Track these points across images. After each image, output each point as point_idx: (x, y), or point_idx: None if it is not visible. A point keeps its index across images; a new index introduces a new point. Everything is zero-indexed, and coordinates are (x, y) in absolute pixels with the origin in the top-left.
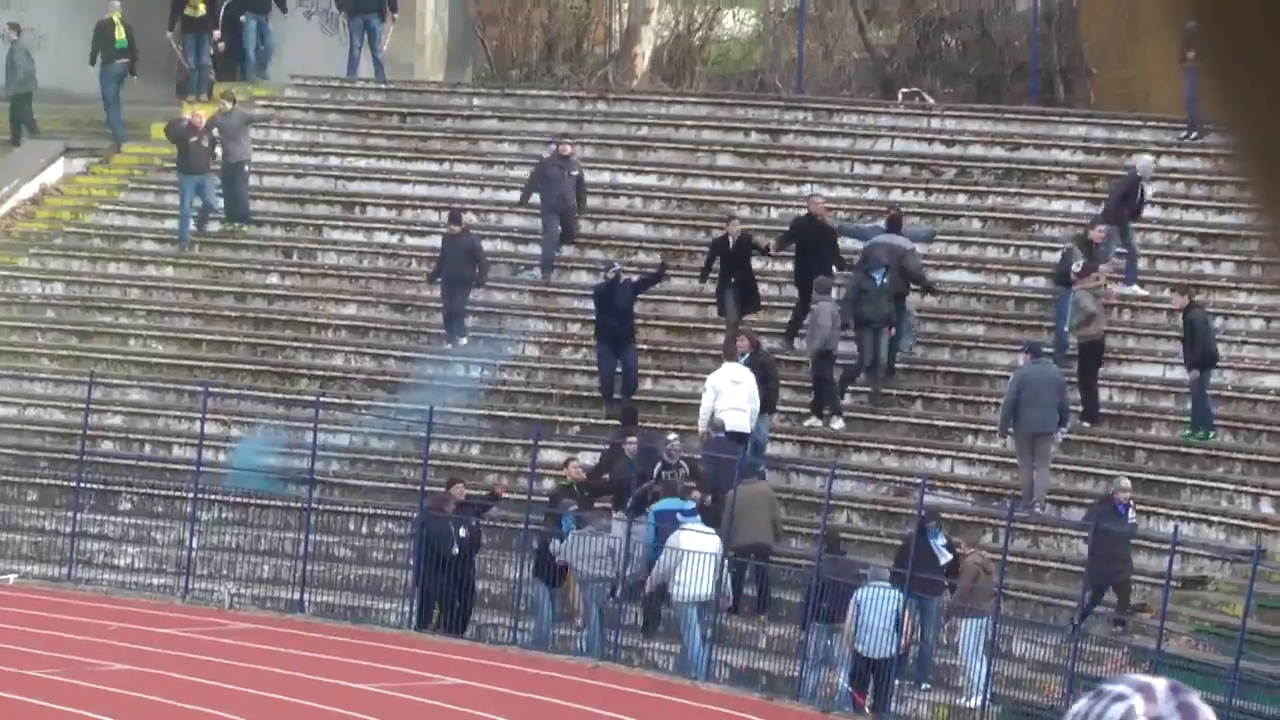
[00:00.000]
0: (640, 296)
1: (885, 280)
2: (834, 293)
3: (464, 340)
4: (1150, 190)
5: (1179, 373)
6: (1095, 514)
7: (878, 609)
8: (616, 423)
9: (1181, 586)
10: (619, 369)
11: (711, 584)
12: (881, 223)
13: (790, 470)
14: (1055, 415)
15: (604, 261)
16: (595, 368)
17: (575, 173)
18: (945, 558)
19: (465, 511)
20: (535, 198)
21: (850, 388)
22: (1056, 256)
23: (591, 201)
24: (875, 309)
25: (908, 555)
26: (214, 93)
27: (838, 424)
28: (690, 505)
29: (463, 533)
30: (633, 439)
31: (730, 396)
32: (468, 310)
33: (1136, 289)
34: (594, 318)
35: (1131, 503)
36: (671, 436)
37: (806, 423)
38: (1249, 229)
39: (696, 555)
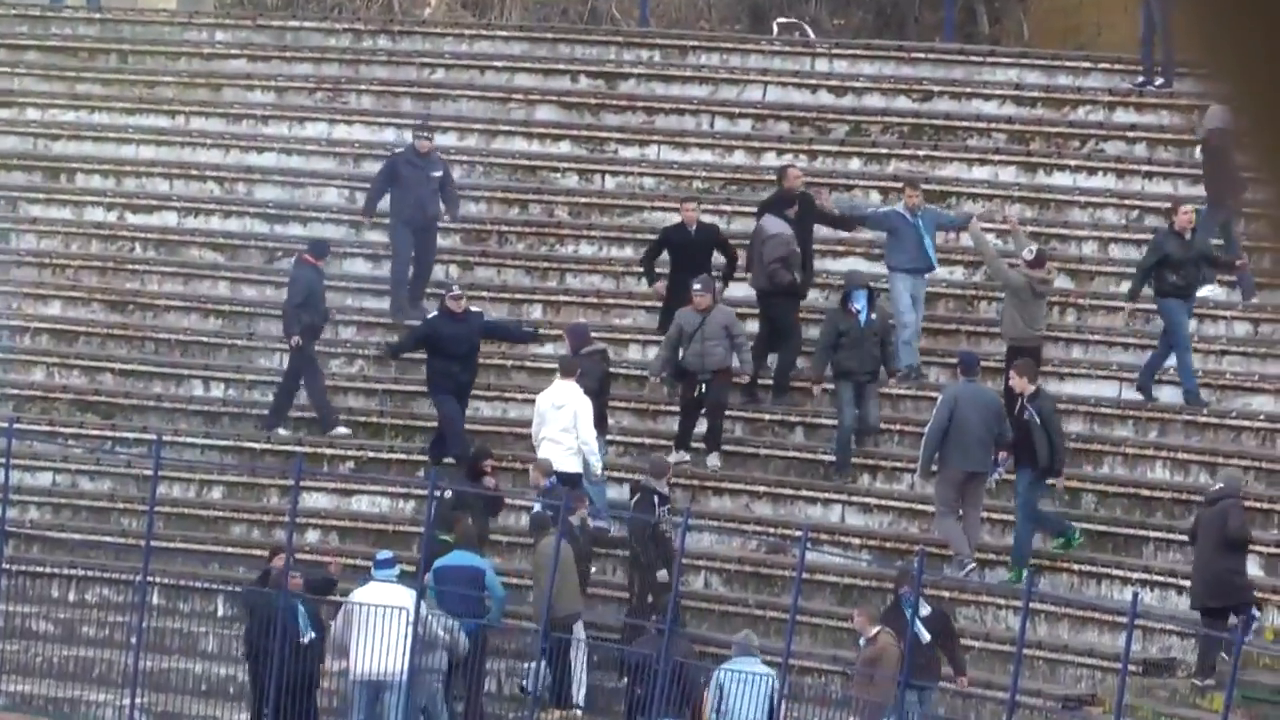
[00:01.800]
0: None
1: (873, 316)
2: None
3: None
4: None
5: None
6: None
7: (746, 695)
8: (418, 458)
9: (1143, 672)
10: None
11: (401, 656)
12: (899, 206)
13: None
14: (991, 450)
15: (441, 284)
16: (375, 386)
17: (438, 173)
18: (925, 638)
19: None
20: (385, 203)
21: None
22: (1010, 244)
23: (372, 168)
24: (857, 355)
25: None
26: None
27: (715, 461)
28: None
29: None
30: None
31: (551, 424)
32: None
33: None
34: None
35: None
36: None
37: (673, 457)
38: (1236, 203)
39: (380, 613)
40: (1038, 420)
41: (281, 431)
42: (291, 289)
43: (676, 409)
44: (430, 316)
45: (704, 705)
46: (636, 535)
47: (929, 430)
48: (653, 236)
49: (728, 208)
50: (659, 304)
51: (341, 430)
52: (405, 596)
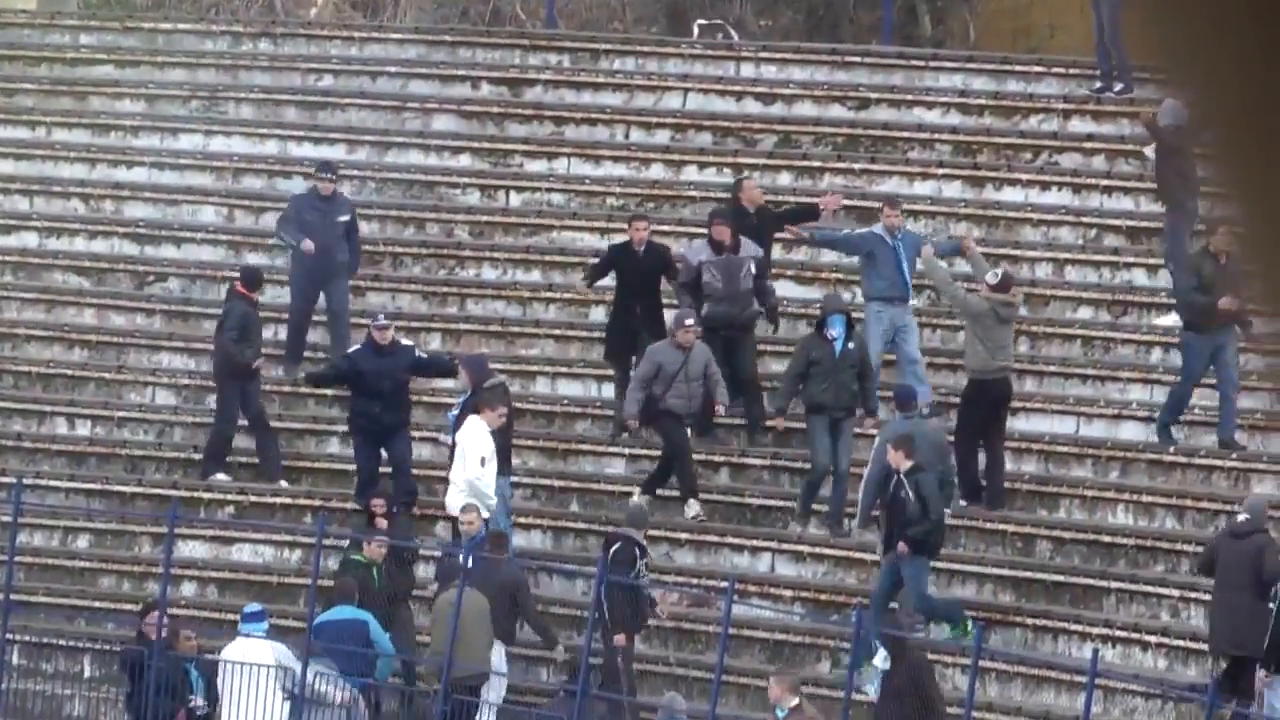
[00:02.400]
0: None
1: (850, 345)
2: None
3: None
4: None
5: (1099, 427)
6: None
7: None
8: (304, 502)
9: None
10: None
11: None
12: (877, 227)
13: (541, 570)
14: None
15: (368, 314)
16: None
17: (344, 217)
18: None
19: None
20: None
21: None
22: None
23: (253, 184)
24: (832, 388)
25: None
26: None
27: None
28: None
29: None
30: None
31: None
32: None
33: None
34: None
35: None
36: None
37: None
38: (1211, 220)
39: (248, 672)
40: (913, 497)
41: (220, 477)
42: (226, 322)
43: (590, 448)
44: (353, 349)
45: None
46: (613, 593)
47: (868, 475)
48: (560, 258)
49: None
50: (566, 332)
51: (220, 476)
52: (270, 653)
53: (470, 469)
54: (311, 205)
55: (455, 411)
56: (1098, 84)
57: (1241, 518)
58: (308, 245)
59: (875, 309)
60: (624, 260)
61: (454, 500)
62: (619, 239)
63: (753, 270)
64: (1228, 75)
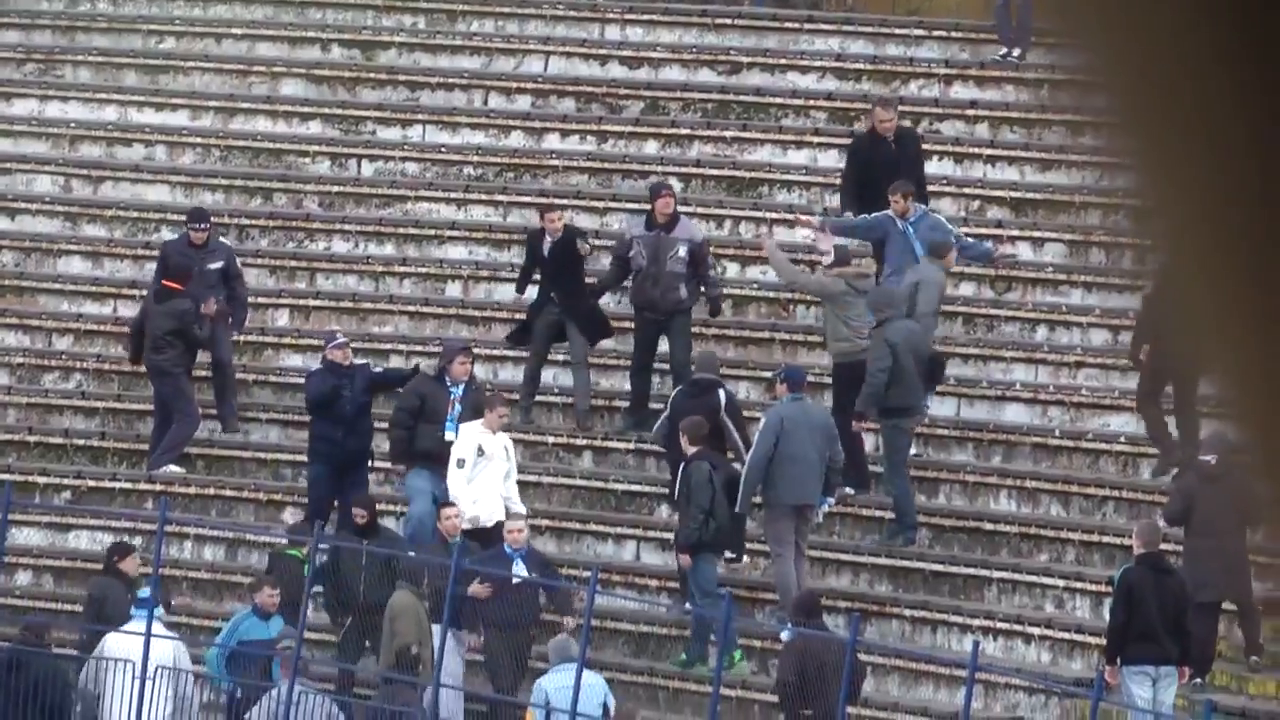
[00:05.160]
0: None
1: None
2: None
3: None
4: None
5: (981, 410)
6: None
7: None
8: (144, 487)
9: None
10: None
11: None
12: (889, 210)
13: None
14: (821, 479)
15: (324, 333)
16: (96, 405)
17: (218, 264)
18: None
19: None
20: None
21: None
22: (798, 234)
23: (91, 152)
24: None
25: None
26: None
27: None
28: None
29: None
30: None
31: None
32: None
33: None
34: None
35: None
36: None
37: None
38: (1097, 192)
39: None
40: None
41: (173, 469)
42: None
43: None
44: (311, 372)
45: None
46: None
47: (752, 458)
48: (415, 231)
49: (503, 198)
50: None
51: (174, 469)
52: (169, 650)
53: (452, 473)
54: (179, 251)
55: (454, 413)
56: (1002, 50)
57: (1208, 459)
58: (210, 304)
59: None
60: (534, 249)
61: (483, 511)
62: (477, 212)
63: (682, 254)
64: (1137, 42)
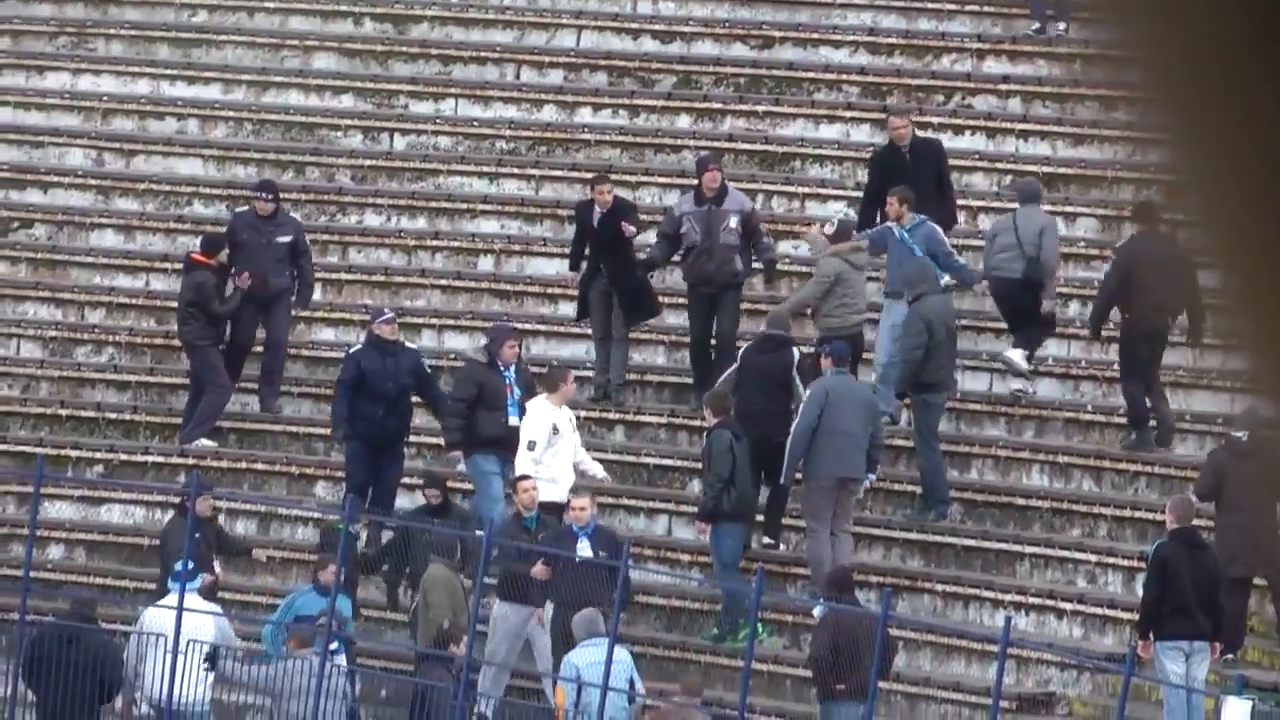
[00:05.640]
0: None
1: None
2: None
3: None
4: None
5: (1014, 386)
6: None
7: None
8: (177, 461)
9: (1018, 708)
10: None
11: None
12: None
13: None
14: (864, 454)
15: (368, 307)
16: (129, 378)
17: (286, 238)
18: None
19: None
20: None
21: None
22: (831, 209)
23: (124, 125)
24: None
25: None
26: None
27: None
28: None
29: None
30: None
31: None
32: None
33: None
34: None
35: None
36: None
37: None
38: (1130, 167)
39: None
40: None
41: (205, 443)
42: (182, 296)
43: None
44: (354, 349)
45: (559, 699)
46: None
47: (796, 430)
48: (448, 204)
49: (535, 172)
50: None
51: (206, 443)
52: (210, 625)
53: (521, 455)
54: (248, 224)
55: (514, 397)
56: (1035, 25)
57: (1239, 435)
58: (244, 278)
59: (886, 304)
60: (583, 221)
61: (563, 490)
62: (509, 186)
63: (734, 225)
64: (1173, 17)
